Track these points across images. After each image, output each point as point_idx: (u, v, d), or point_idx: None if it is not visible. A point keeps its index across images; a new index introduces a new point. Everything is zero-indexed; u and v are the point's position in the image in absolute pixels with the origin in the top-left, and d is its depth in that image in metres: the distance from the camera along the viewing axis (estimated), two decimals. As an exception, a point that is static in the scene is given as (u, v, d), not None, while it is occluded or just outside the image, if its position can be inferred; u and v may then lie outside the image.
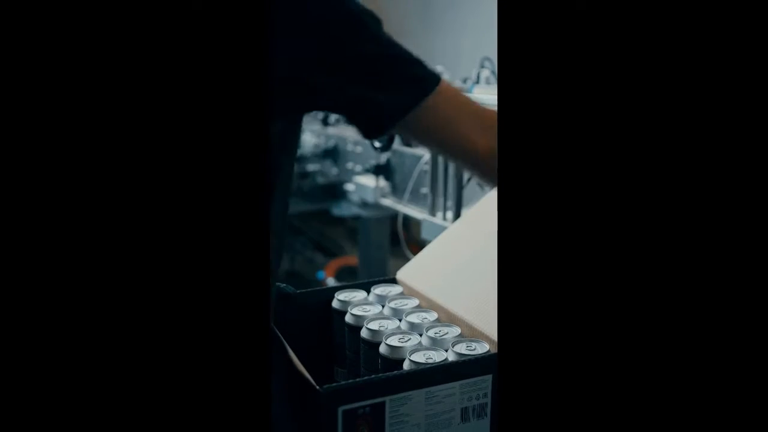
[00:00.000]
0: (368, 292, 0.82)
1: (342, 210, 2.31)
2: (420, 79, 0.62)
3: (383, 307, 0.77)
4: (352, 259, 2.53)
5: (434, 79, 0.62)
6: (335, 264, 2.57)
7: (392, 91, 0.60)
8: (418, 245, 1.74)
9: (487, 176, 0.65)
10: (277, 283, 0.78)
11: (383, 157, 1.73)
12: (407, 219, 1.64)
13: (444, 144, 0.63)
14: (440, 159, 1.31)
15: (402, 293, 0.82)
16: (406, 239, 1.63)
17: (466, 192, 1.27)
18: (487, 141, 0.61)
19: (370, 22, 0.61)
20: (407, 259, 1.02)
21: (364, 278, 1.85)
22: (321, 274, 2.51)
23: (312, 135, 2.39)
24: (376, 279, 0.86)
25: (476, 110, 0.63)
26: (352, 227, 2.76)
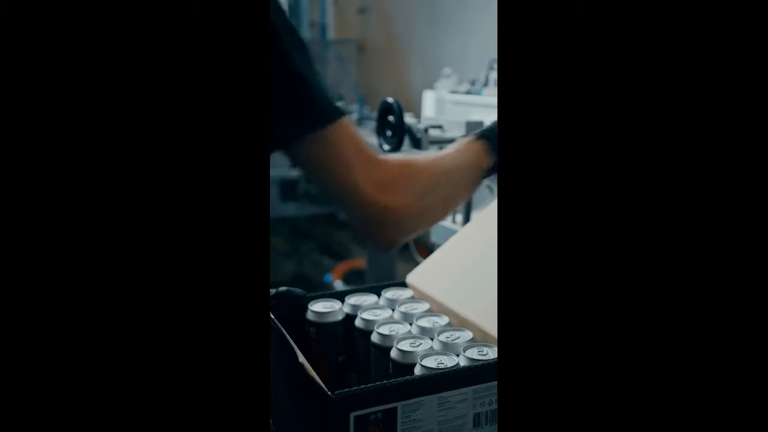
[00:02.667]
0: (378, 295, 0.82)
1: (350, 213, 2.31)
2: (321, 109, 0.57)
3: (393, 311, 0.77)
4: (359, 262, 2.53)
5: (336, 113, 0.58)
6: (343, 267, 2.57)
7: (289, 114, 0.56)
8: (426, 248, 1.74)
9: (366, 229, 0.61)
10: (286, 287, 0.78)
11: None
12: (415, 222, 1.64)
13: (329, 179, 0.59)
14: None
15: (413, 297, 0.81)
16: (415, 242, 1.62)
17: (476, 195, 1.26)
18: (376, 192, 0.57)
19: (288, 39, 0.56)
20: (416, 263, 1.01)
21: (371, 281, 1.84)
22: (328, 278, 2.51)
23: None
24: (387, 282, 0.85)
25: (374, 161, 0.59)
26: (360, 230, 2.75)
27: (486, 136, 0.68)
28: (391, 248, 0.65)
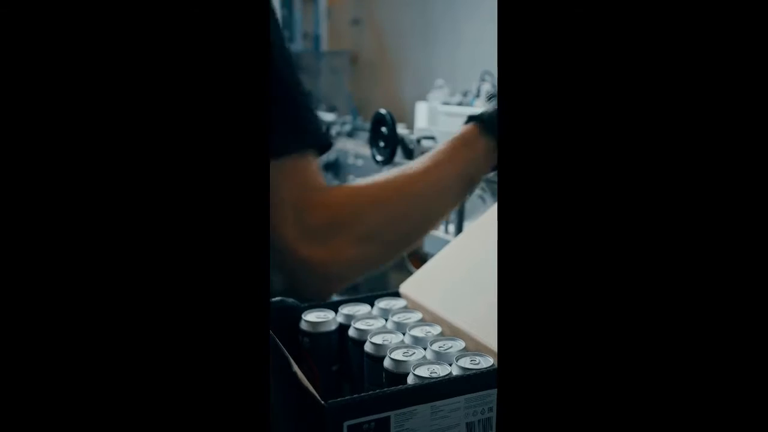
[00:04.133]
0: (371, 305, 0.82)
1: (343, 223, 2.31)
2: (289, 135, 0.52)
3: (387, 320, 0.77)
4: (352, 273, 2.52)
5: (298, 145, 0.52)
6: (336, 277, 2.56)
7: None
8: (418, 258, 1.74)
9: (287, 277, 0.54)
10: (280, 297, 0.78)
11: (385, 171, 1.73)
12: (408, 232, 1.64)
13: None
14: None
15: (406, 307, 0.82)
16: (408, 253, 1.63)
17: (468, 205, 1.27)
18: (298, 240, 0.52)
19: (277, 52, 0.51)
20: (408, 273, 1.01)
21: (364, 291, 1.84)
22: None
23: (313, 148, 2.40)
24: (380, 292, 0.86)
25: (311, 203, 0.53)
26: (353, 240, 2.75)
27: (482, 119, 0.61)
28: (323, 298, 0.59)
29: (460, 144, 0.63)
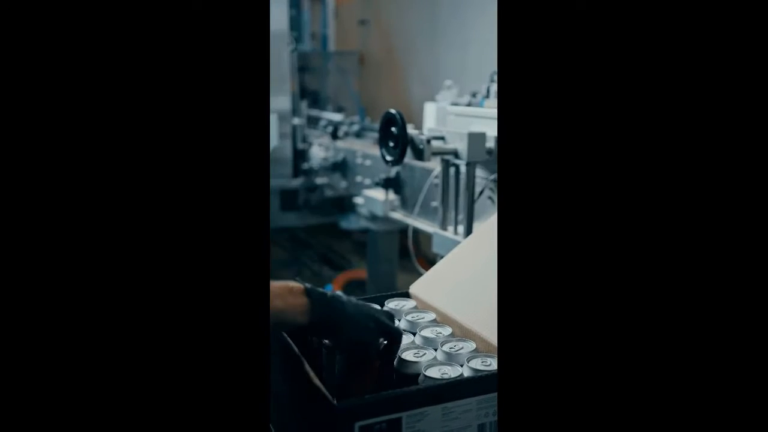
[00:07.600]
0: (381, 305, 0.82)
1: (350, 223, 2.32)
2: None
3: (399, 321, 0.77)
4: (360, 273, 2.52)
5: None
6: (343, 277, 2.57)
7: None
8: (426, 259, 1.74)
9: None
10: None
11: (393, 171, 1.73)
12: (416, 232, 1.64)
13: None
14: (451, 172, 1.31)
15: (416, 307, 0.81)
16: (415, 253, 1.63)
17: (478, 206, 1.27)
18: None
19: None
20: (417, 273, 1.01)
21: (372, 292, 1.84)
22: (329, 288, 2.51)
23: (321, 149, 2.40)
24: (390, 293, 0.85)
25: None
26: (359, 241, 2.76)
27: (311, 294, 0.65)
28: None
29: (287, 291, 0.66)
